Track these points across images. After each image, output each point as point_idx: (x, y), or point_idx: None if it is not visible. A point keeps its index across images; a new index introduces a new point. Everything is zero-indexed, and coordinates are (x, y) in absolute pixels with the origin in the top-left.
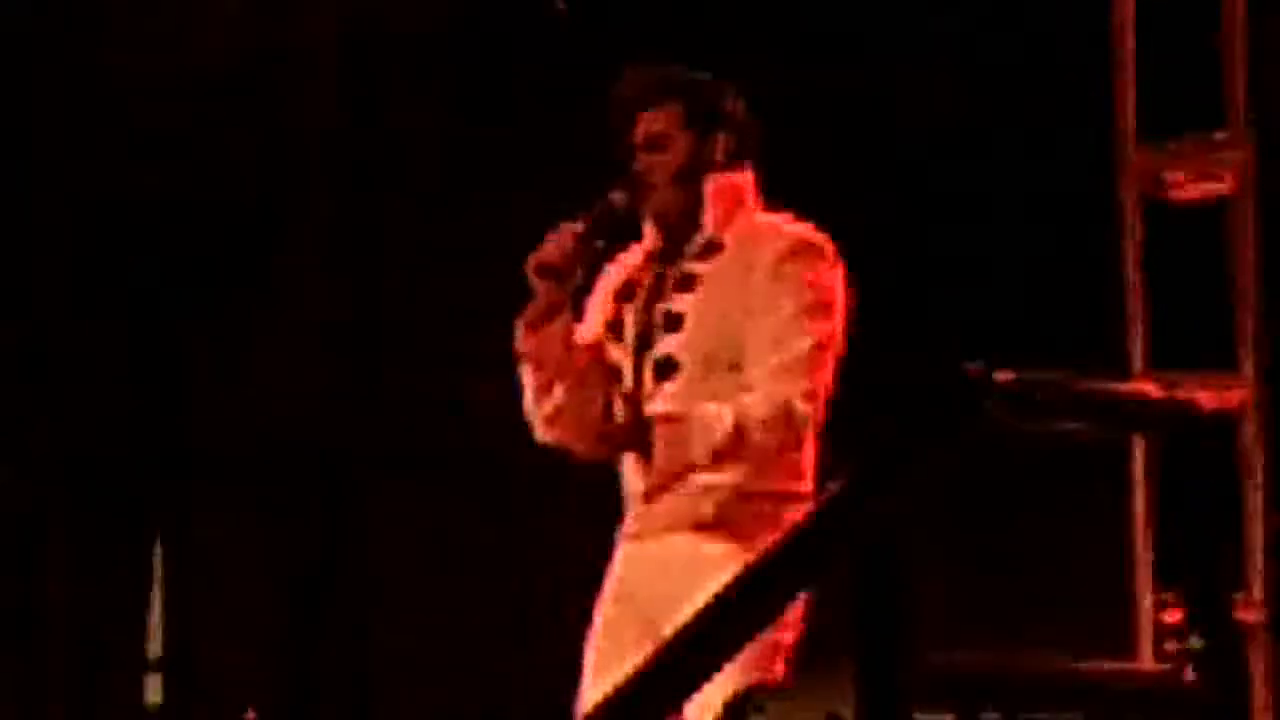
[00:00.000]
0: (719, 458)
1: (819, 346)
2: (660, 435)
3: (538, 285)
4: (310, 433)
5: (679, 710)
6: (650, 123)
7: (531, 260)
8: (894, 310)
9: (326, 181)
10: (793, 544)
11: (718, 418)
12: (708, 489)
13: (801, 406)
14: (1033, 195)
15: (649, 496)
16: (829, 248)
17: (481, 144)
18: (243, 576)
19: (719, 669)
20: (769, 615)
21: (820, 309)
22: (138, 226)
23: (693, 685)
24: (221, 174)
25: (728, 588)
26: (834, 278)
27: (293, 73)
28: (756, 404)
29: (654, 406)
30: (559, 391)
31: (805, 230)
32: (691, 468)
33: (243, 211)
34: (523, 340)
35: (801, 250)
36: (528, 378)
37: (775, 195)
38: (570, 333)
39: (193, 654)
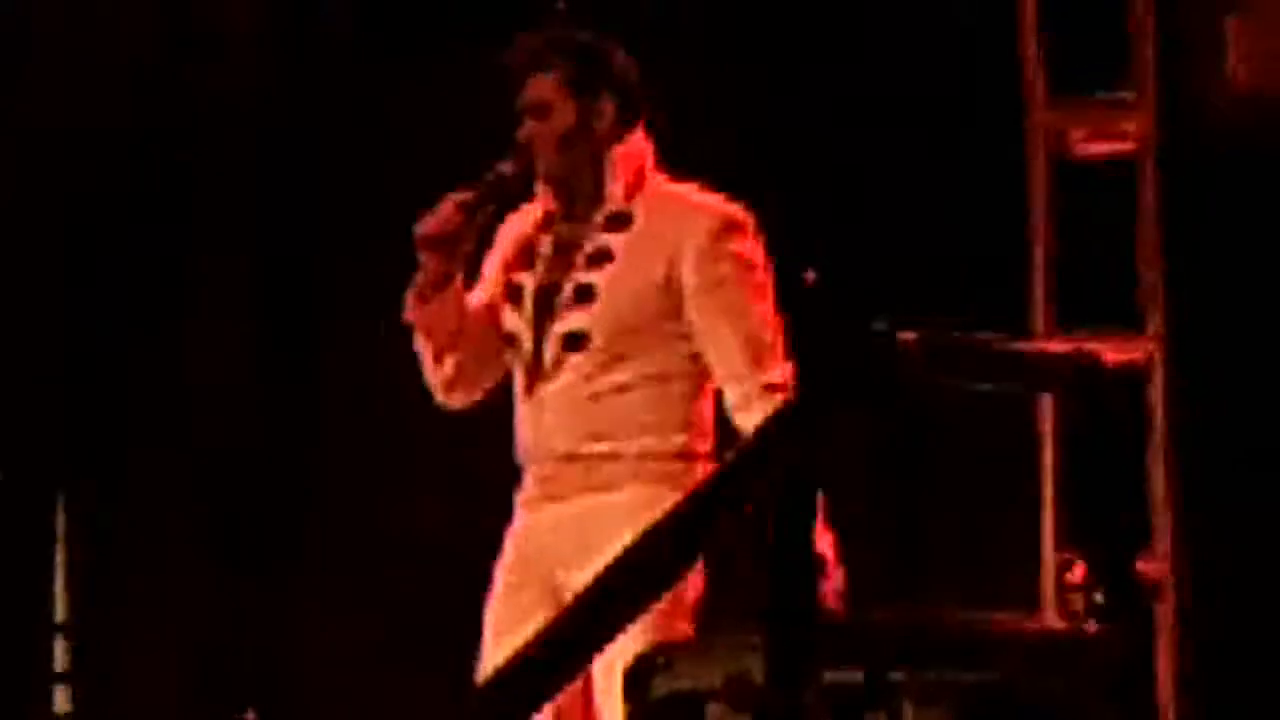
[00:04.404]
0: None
1: (776, 329)
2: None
3: (424, 257)
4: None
5: (587, 668)
6: (534, 88)
7: (417, 231)
8: (802, 271)
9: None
10: (701, 499)
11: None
12: (639, 454)
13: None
14: (939, 155)
15: (557, 461)
16: (752, 221)
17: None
18: (157, 548)
19: (630, 622)
20: (680, 569)
21: (763, 288)
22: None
23: (603, 640)
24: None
25: (637, 543)
26: (762, 252)
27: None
28: (764, 406)
29: (559, 378)
30: (450, 361)
31: (725, 204)
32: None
33: (162, 199)
34: (411, 311)
35: (733, 227)
36: (420, 346)
37: (688, 162)
38: (462, 303)
39: (98, 625)
